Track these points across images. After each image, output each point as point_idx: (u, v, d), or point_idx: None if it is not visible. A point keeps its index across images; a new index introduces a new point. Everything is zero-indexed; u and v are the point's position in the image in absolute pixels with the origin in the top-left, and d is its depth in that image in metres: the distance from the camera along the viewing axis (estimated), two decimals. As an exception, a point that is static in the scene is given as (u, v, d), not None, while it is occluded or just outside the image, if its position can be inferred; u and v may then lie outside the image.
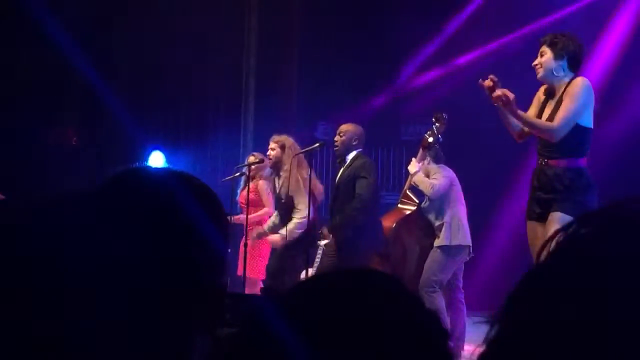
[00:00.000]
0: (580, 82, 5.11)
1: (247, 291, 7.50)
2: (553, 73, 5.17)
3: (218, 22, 9.97)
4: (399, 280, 1.16)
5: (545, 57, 5.17)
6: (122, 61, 9.72)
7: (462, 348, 6.68)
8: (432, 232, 6.94)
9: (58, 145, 9.89)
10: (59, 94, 9.52)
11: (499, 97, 5.00)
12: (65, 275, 1.13)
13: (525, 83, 5.48)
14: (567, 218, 4.61)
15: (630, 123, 8.66)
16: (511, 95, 5.00)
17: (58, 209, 1.19)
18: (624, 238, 0.71)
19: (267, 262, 7.65)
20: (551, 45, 5.16)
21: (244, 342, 1.15)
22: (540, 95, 5.34)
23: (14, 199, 1.24)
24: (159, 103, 9.82)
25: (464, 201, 7.04)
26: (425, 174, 6.95)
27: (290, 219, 7.27)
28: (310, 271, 6.88)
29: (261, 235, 7.57)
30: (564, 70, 5.17)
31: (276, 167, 7.42)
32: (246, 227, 7.81)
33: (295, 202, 7.22)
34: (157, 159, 9.63)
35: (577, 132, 5.09)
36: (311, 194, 7.04)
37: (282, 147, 7.35)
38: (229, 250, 7.53)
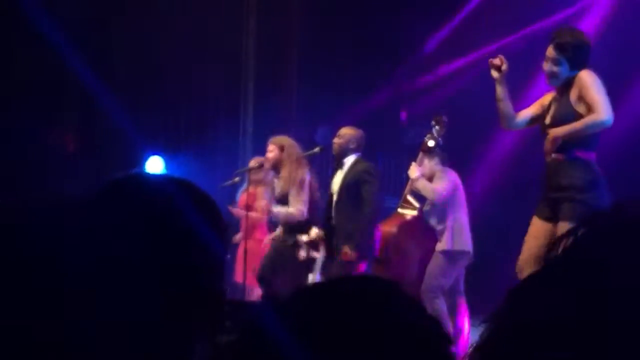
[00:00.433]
0: (588, 74, 5.11)
1: (246, 297, 7.50)
2: (561, 75, 5.18)
3: (217, 24, 9.97)
4: (399, 285, 1.17)
5: (553, 61, 5.16)
6: (120, 64, 9.73)
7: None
8: (433, 237, 6.94)
9: (56, 147, 9.90)
10: (57, 96, 9.53)
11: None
12: (65, 278, 1.14)
13: (529, 83, 5.50)
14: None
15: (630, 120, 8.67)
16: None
17: (56, 214, 1.20)
18: (623, 242, 0.72)
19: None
20: (561, 50, 5.14)
21: (244, 349, 1.16)
22: (546, 98, 5.35)
23: (11, 200, 1.25)
24: (157, 106, 9.83)
25: (466, 205, 7.04)
26: (431, 175, 6.95)
27: None
28: (311, 277, 6.89)
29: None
30: (573, 69, 5.17)
31: (276, 168, 7.40)
32: (245, 232, 7.82)
33: (290, 196, 7.19)
34: (155, 163, 9.63)
35: None
36: (308, 195, 7.07)
37: (281, 148, 7.33)
38: (228, 257, 7.54)
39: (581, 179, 5.08)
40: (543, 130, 5.29)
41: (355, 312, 1.03)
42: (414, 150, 7.20)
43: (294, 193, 7.18)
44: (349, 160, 7.05)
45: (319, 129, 8.59)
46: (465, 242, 6.89)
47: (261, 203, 7.78)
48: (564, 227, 4.94)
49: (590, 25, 8.76)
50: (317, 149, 7.37)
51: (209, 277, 1.22)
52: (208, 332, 1.23)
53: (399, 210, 7.27)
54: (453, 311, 6.93)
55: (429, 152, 6.91)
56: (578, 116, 5.09)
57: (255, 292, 7.67)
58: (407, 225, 7.13)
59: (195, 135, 9.98)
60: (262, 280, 7.25)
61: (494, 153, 8.94)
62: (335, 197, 7.06)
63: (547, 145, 5.16)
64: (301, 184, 7.16)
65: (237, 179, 8.18)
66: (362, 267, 6.83)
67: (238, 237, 8.01)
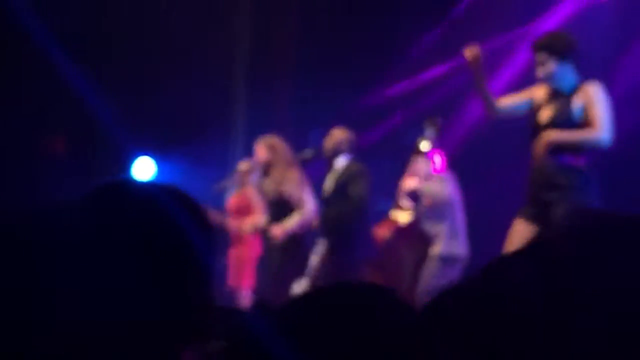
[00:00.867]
0: (597, 88, 5.13)
1: (235, 301, 7.50)
2: (561, 78, 5.17)
3: (209, 24, 9.98)
4: (393, 292, 1.17)
5: (548, 66, 5.17)
6: (110, 64, 9.72)
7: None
8: (428, 241, 6.94)
9: (46, 149, 9.89)
10: (46, 98, 9.52)
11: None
12: (50, 286, 1.14)
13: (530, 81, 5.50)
14: None
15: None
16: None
17: (42, 220, 1.20)
18: (590, 244, 0.73)
19: (254, 271, 7.65)
20: (549, 50, 5.17)
21: (236, 357, 1.16)
22: (537, 93, 5.33)
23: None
24: (147, 107, 9.82)
25: (462, 209, 7.05)
26: (426, 179, 6.95)
27: (281, 218, 7.21)
28: (304, 280, 6.89)
29: (253, 229, 7.46)
30: (569, 71, 5.18)
31: (266, 170, 7.33)
32: (236, 238, 7.82)
33: (296, 199, 7.11)
34: (146, 165, 9.62)
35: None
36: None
37: (272, 148, 7.27)
38: (218, 262, 7.51)
39: (573, 182, 5.10)
40: (535, 128, 5.28)
41: (348, 320, 1.03)
42: (409, 152, 7.21)
43: (298, 194, 7.12)
44: (340, 162, 7.06)
45: (312, 131, 8.60)
46: (460, 246, 6.89)
47: (254, 219, 7.70)
48: None
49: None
50: (309, 153, 7.36)
51: (198, 284, 1.23)
52: (197, 339, 1.23)
53: (394, 214, 7.27)
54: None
55: (423, 155, 6.91)
56: (580, 124, 5.10)
57: (245, 298, 7.66)
58: (402, 230, 7.14)
59: (187, 136, 9.98)
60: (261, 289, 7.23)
61: (499, 157, 8.86)
62: (326, 200, 7.06)
63: (540, 146, 5.17)
64: (301, 184, 7.13)
65: (227, 182, 8.17)
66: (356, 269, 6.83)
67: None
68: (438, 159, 6.99)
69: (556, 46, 5.17)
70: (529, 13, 9.15)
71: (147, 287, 1.17)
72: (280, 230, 7.13)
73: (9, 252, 1.17)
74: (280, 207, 7.21)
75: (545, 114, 5.23)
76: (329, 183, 7.10)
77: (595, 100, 5.08)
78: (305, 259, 7.04)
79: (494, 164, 8.51)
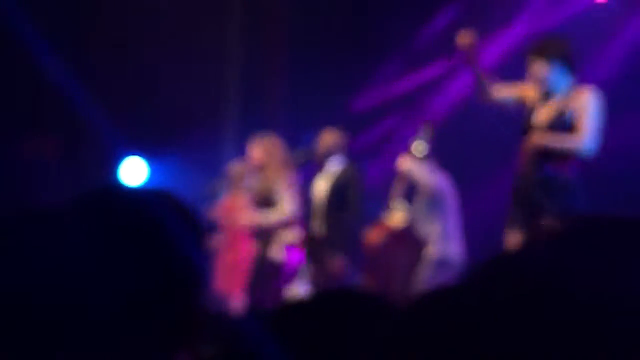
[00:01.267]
0: (591, 96, 5.12)
1: (226, 306, 7.49)
2: (554, 83, 5.16)
3: (201, 23, 9.97)
4: (384, 298, 1.18)
5: (539, 70, 5.16)
6: (101, 66, 9.72)
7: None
8: (421, 245, 6.95)
9: (36, 151, 9.87)
10: (35, 99, 9.50)
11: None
12: (38, 293, 1.14)
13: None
14: None
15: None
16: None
17: (30, 227, 1.20)
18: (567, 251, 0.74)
19: (247, 276, 7.64)
20: (540, 54, 5.16)
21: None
22: (529, 92, 5.30)
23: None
24: (140, 110, 9.81)
25: (457, 212, 7.04)
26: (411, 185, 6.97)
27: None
28: (299, 284, 6.91)
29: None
30: (563, 75, 5.17)
31: (260, 170, 7.27)
32: (228, 242, 7.81)
33: (277, 196, 7.08)
34: (138, 167, 9.61)
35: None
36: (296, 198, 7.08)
37: (266, 149, 7.22)
38: (209, 268, 7.50)
39: (561, 189, 5.09)
40: (529, 129, 5.28)
41: (339, 327, 1.04)
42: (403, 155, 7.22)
43: (282, 193, 7.07)
44: (333, 164, 7.06)
45: (305, 133, 8.60)
46: (452, 251, 6.89)
47: (246, 214, 7.68)
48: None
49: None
50: (303, 154, 7.34)
51: (190, 290, 1.23)
52: (189, 345, 1.24)
53: (387, 218, 7.27)
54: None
55: (418, 157, 6.91)
56: (572, 130, 5.10)
57: (236, 303, 7.66)
58: (394, 234, 7.15)
59: (178, 137, 9.96)
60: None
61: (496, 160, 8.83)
62: (320, 203, 7.05)
63: (527, 148, 5.17)
64: (290, 185, 7.09)
65: (218, 184, 8.16)
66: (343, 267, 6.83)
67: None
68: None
69: (551, 51, 5.16)
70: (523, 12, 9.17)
71: (139, 295, 1.18)
72: (249, 217, 7.15)
73: None
74: (264, 209, 7.19)
75: (542, 116, 5.21)
76: (321, 185, 7.10)
77: (586, 108, 5.06)
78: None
79: (493, 166, 8.52)
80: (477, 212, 7.47)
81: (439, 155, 7.07)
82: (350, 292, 1.26)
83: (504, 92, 5.40)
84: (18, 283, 1.15)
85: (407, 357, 0.75)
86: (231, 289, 7.68)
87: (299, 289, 6.89)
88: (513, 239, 5.20)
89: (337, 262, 6.80)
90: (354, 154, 7.43)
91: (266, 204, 7.17)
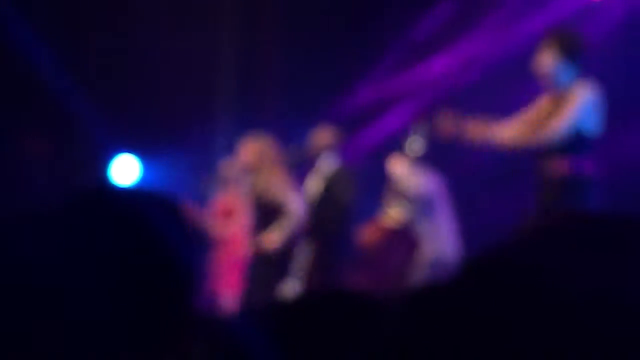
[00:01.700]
0: (583, 90, 5.03)
1: (218, 306, 7.49)
2: (559, 75, 5.09)
3: (193, 25, 9.97)
4: (373, 298, 1.19)
5: (549, 58, 5.06)
6: (93, 65, 9.71)
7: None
8: (415, 245, 6.96)
9: (27, 149, 9.86)
10: (26, 96, 9.48)
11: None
12: (29, 296, 1.15)
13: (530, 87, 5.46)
14: None
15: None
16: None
17: (21, 228, 1.21)
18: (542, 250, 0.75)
19: (240, 275, 7.64)
20: (556, 44, 5.05)
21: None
22: (542, 105, 5.22)
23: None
24: (132, 105, 9.80)
25: (450, 212, 7.05)
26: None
27: (268, 223, 7.17)
28: (291, 283, 6.91)
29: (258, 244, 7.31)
30: (571, 71, 5.09)
31: (252, 171, 7.25)
32: (222, 242, 7.81)
33: (282, 203, 7.04)
34: (130, 165, 9.60)
35: (576, 136, 5.04)
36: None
37: (258, 149, 7.17)
38: (203, 269, 7.47)
39: (572, 188, 5.03)
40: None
41: (331, 327, 1.05)
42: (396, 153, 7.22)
43: (283, 194, 7.02)
44: (325, 162, 7.05)
45: (299, 130, 8.60)
46: (443, 251, 6.87)
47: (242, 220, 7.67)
48: None
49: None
50: (297, 153, 7.31)
51: (182, 291, 1.24)
52: (180, 347, 1.24)
53: (382, 217, 7.28)
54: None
55: (412, 156, 6.91)
56: (579, 127, 5.03)
57: (228, 303, 7.66)
58: (388, 233, 7.15)
59: (170, 136, 9.96)
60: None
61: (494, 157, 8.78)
62: (312, 202, 7.05)
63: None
64: (287, 186, 7.05)
65: (210, 184, 8.16)
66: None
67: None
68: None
69: (564, 43, 5.06)
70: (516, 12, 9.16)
71: (128, 297, 1.18)
72: (274, 238, 7.03)
73: None
74: (266, 211, 7.15)
75: (542, 112, 5.14)
76: (313, 183, 7.10)
77: (572, 100, 4.97)
78: (291, 261, 7.06)
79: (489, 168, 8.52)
80: (476, 212, 7.47)
81: (434, 154, 7.07)
82: (341, 292, 1.27)
83: (517, 129, 5.22)
84: (7, 283, 1.15)
85: (397, 356, 0.75)
86: (226, 289, 7.68)
87: (291, 287, 6.90)
88: None
89: (329, 261, 6.81)
90: (348, 151, 7.43)
91: (268, 207, 7.13)
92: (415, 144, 6.85)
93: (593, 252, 0.73)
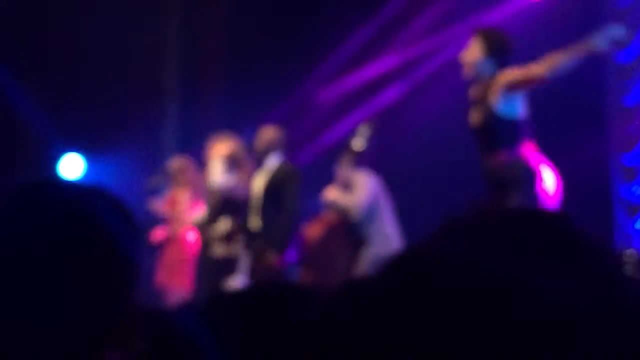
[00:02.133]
0: (505, 74, 5.13)
1: (165, 301, 7.48)
2: (479, 70, 5.22)
3: (138, 20, 9.91)
4: (316, 292, 1.20)
5: (475, 53, 5.21)
6: (39, 63, 9.61)
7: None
8: (361, 242, 6.99)
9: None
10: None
11: None
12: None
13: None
14: None
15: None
16: None
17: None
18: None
19: (190, 271, 7.64)
20: (483, 40, 5.21)
21: (160, 357, 1.18)
22: (475, 94, 5.33)
23: None
24: (77, 103, 9.72)
25: (391, 210, 7.10)
26: (347, 182, 7.00)
27: (226, 214, 7.25)
28: (237, 277, 6.91)
29: None
30: (492, 68, 5.20)
31: (228, 165, 7.33)
32: (169, 236, 7.78)
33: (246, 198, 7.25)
34: (74, 163, 9.52)
35: (505, 124, 5.14)
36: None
37: (238, 146, 7.31)
38: (146, 262, 7.44)
39: (513, 178, 5.11)
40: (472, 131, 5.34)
41: (271, 320, 1.06)
42: (342, 150, 7.25)
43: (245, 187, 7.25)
44: (271, 161, 7.06)
45: (244, 128, 8.59)
46: (391, 249, 6.94)
47: (184, 209, 7.71)
48: None
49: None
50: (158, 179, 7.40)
51: (124, 286, 1.24)
52: (123, 341, 1.24)
53: (327, 213, 7.30)
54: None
55: (356, 155, 6.95)
56: (505, 115, 5.13)
57: (176, 298, 7.64)
58: (334, 229, 7.18)
59: (116, 133, 9.89)
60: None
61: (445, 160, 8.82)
62: (256, 199, 7.06)
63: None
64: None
65: (158, 179, 8.14)
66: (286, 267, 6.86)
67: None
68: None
69: (491, 40, 5.21)
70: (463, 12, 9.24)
71: (70, 291, 1.18)
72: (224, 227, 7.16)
73: None
74: (230, 205, 7.24)
75: (474, 117, 5.29)
76: (259, 182, 7.11)
77: (510, 71, 5.10)
78: (238, 257, 7.08)
79: (425, 165, 8.59)
80: (413, 210, 7.52)
81: (376, 153, 7.13)
82: (285, 285, 1.27)
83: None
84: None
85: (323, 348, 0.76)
86: (174, 284, 7.67)
87: (236, 283, 6.91)
88: None
89: (273, 258, 6.82)
90: (294, 148, 7.45)
91: (229, 203, 7.24)
92: (360, 140, 6.90)
93: (508, 247, 0.74)
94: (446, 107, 5.93)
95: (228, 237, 7.11)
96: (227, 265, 7.08)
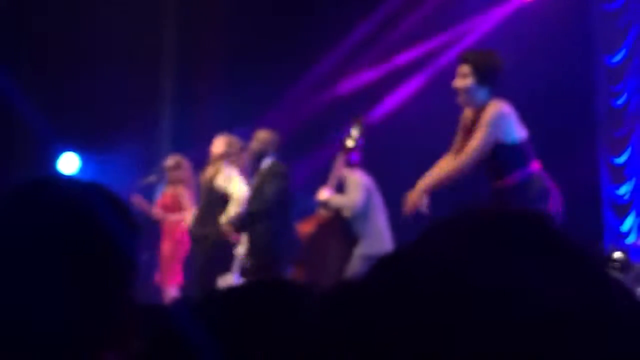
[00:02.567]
0: (493, 109, 4.98)
1: (162, 298, 7.47)
2: (474, 96, 5.06)
3: (134, 19, 9.89)
4: (310, 289, 1.21)
5: (467, 80, 5.04)
6: (37, 63, 9.59)
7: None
8: (353, 239, 6.99)
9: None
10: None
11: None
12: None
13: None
14: None
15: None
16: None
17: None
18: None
19: (182, 268, 7.64)
20: (472, 66, 5.05)
21: (157, 355, 1.19)
22: (466, 120, 5.20)
23: None
24: (73, 102, 9.70)
25: (383, 209, 7.10)
26: (340, 179, 7.00)
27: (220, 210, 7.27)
28: (230, 276, 6.91)
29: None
30: (486, 94, 5.06)
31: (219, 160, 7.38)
32: (165, 233, 7.77)
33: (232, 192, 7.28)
34: (70, 161, 9.50)
35: (508, 150, 4.99)
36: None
37: (228, 143, 7.33)
38: (143, 259, 7.44)
39: (523, 199, 5.04)
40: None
41: (265, 316, 1.06)
42: (335, 149, 7.25)
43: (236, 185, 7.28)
44: (266, 163, 7.06)
45: (237, 129, 8.59)
46: (383, 246, 6.93)
47: (185, 204, 7.73)
48: None
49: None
50: (153, 178, 7.37)
51: (121, 284, 1.24)
52: (122, 341, 1.24)
53: (319, 210, 7.30)
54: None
55: (347, 153, 6.95)
56: (504, 147, 5.02)
57: (171, 295, 7.65)
58: (327, 227, 7.17)
59: (111, 132, 9.88)
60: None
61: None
62: (248, 198, 7.07)
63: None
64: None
65: (153, 177, 8.13)
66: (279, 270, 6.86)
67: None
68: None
69: (482, 65, 5.06)
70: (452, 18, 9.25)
71: (68, 288, 1.18)
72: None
73: None
74: (223, 204, 7.24)
75: (464, 144, 5.12)
76: (253, 184, 7.14)
77: (482, 123, 4.95)
78: (231, 254, 7.08)
79: (418, 163, 8.59)
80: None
81: (368, 150, 7.14)
82: (279, 282, 1.28)
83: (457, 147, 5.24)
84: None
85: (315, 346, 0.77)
86: (169, 281, 7.68)
87: (232, 280, 6.90)
88: None
89: (264, 255, 6.83)
90: (289, 147, 7.44)
91: (222, 200, 7.26)
92: (352, 138, 6.91)
93: (491, 248, 0.74)
94: (442, 107, 5.90)
95: (226, 235, 7.12)
96: (221, 263, 7.08)
